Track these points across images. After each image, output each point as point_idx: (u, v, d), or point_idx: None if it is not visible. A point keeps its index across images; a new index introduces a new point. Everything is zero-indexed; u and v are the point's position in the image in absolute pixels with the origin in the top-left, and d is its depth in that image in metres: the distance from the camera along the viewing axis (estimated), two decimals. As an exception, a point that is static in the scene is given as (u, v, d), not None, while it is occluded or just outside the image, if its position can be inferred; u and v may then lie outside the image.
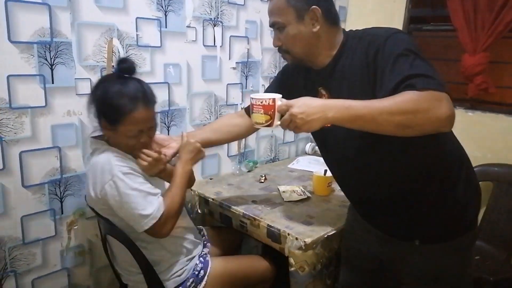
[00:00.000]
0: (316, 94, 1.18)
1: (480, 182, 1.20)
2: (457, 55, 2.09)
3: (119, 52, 1.55)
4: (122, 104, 1.16)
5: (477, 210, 1.18)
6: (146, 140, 1.25)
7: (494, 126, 2.00)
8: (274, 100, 1.04)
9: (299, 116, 0.97)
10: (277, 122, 1.06)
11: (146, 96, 1.21)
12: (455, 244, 1.11)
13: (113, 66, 1.54)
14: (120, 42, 1.55)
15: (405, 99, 0.89)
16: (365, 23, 2.37)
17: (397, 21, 2.28)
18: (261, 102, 1.06)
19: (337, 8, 2.48)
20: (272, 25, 1.15)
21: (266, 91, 1.45)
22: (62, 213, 1.52)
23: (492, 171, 1.93)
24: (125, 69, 1.21)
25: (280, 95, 1.07)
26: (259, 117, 1.07)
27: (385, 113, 0.90)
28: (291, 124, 0.99)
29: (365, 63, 1.02)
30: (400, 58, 0.95)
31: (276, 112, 1.05)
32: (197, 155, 1.36)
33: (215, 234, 1.64)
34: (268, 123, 1.07)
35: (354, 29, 1.14)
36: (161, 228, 1.22)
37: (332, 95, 1.13)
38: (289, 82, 1.32)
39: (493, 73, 2.05)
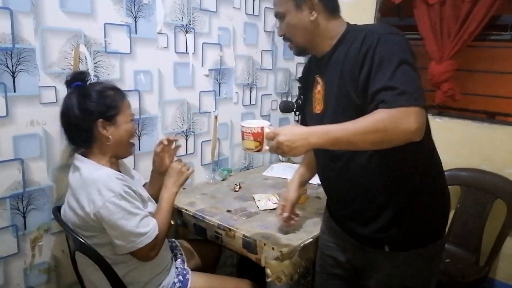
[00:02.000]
0: (313, 82, 1.23)
1: (449, 186, 1.23)
2: (424, 63, 2.15)
3: (86, 58, 1.49)
4: (115, 96, 1.27)
5: (446, 219, 1.21)
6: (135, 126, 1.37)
7: (461, 132, 2.07)
8: (262, 128, 1.14)
9: (285, 144, 1.03)
10: (265, 147, 1.15)
11: (118, 88, 1.33)
12: (424, 252, 1.14)
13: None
14: (88, 49, 1.49)
15: (375, 119, 0.96)
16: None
17: (367, 30, 2.33)
18: (251, 130, 1.15)
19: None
20: (275, 15, 1.21)
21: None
22: (25, 229, 1.43)
23: (460, 175, 1.99)
24: (78, 77, 1.28)
25: (269, 123, 1.16)
26: (249, 143, 1.16)
27: (359, 134, 0.97)
28: (278, 150, 1.06)
29: (357, 56, 1.05)
30: (384, 63, 0.98)
31: (264, 139, 1.14)
32: (179, 177, 1.39)
33: (192, 247, 1.60)
34: (258, 148, 1.16)
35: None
36: (151, 250, 1.22)
37: (325, 84, 1.18)
38: (307, 79, 1.34)
39: (459, 81, 2.12)
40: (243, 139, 1.18)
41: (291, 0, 1.14)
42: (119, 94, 1.29)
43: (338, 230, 1.28)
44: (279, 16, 1.18)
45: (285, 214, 1.45)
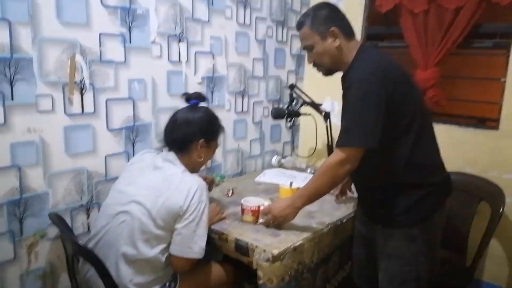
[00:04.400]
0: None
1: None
2: (410, 70, 2.22)
3: (81, 68, 1.53)
4: (221, 127, 1.52)
5: (424, 211, 1.38)
6: None
7: (446, 137, 2.13)
8: (259, 206, 1.58)
9: (278, 216, 1.49)
10: (260, 220, 1.57)
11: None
12: (404, 231, 1.39)
13: (75, 82, 1.52)
14: (83, 58, 1.53)
15: (320, 171, 1.39)
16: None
17: (355, 38, 2.39)
18: (250, 208, 1.57)
19: (293, 23, 2.59)
20: (304, 48, 1.46)
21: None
22: (21, 235, 1.46)
23: (446, 179, 2.04)
24: (194, 97, 1.51)
25: (263, 201, 1.62)
26: (248, 217, 1.58)
27: (318, 186, 1.40)
28: (275, 221, 1.51)
29: (344, 87, 1.36)
30: (347, 107, 1.33)
31: (260, 214, 1.57)
32: (214, 217, 1.57)
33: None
34: (254, 221, 1.57)
35: (367, 46, 1.47)
36: (185, 266, 1.36)
37: (342, 99, 1.41)
38: None
39: (443, 87, 2.19)
40: (242, 214, 1.57)
41: (316, 34, 1.38)
42: (223, 127, 1.53)
43: (361, 210, 1.62)
44: (308, 48, 1.42)
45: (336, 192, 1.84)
